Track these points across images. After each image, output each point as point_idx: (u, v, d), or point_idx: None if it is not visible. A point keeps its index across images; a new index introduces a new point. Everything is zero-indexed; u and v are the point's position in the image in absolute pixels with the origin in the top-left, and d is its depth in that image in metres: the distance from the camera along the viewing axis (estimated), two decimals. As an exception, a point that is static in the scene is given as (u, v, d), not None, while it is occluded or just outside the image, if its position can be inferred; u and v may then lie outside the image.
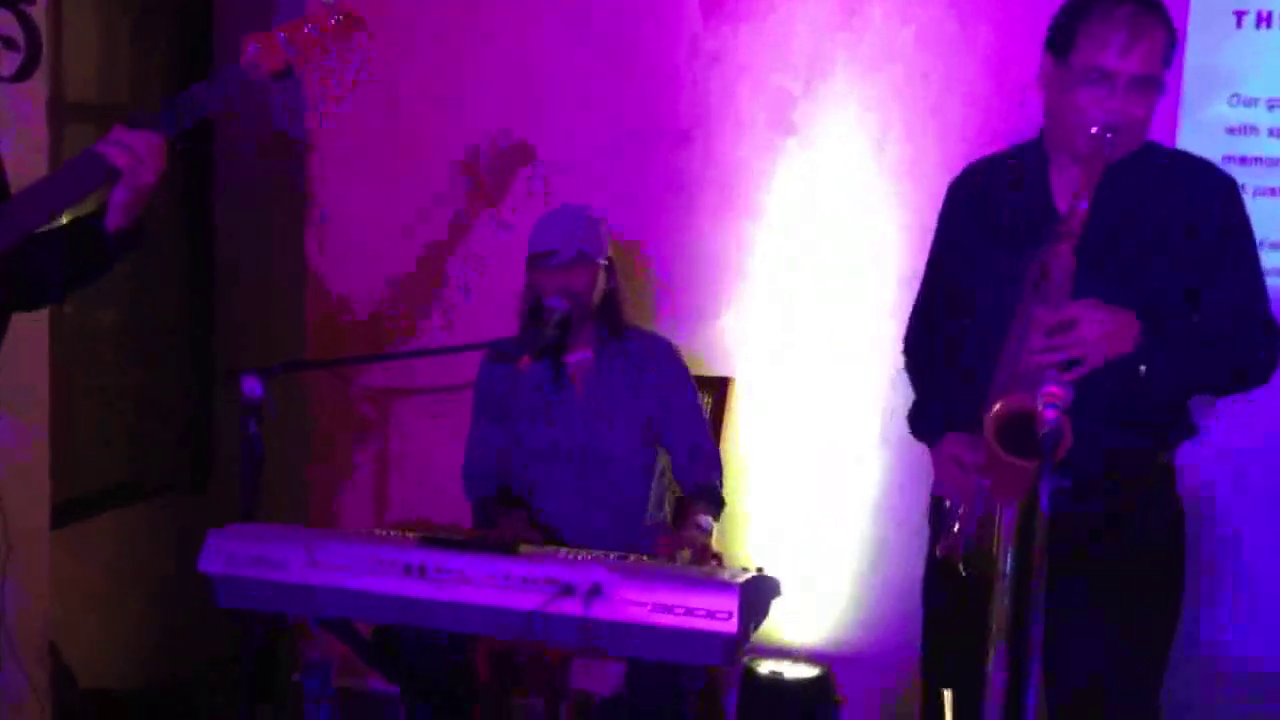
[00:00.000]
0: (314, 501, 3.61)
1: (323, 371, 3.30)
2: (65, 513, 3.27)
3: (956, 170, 2.34)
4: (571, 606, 2.12)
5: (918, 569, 2.32)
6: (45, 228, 2.04)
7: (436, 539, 2.32)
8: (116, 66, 3.58)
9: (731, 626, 2.07)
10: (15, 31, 2.79)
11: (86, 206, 2.09)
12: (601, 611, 2.11)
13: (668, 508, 2.99)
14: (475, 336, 2.99)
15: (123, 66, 3.60)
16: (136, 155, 1.97)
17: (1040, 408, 1.73)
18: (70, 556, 3.24)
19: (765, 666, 3.17)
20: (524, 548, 2.34)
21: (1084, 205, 1.94)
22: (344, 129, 3.51)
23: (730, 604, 2.07)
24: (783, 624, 3.23)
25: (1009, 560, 1.83)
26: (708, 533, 2.69)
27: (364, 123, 3.48)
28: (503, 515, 2.79)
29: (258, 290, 3.87)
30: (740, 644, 2.15)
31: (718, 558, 2.61)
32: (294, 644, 3.53)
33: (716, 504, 2.81)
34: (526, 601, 2.14)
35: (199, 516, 3.24)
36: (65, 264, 2.12)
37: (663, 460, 2.94)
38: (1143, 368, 1.99)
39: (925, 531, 2.31)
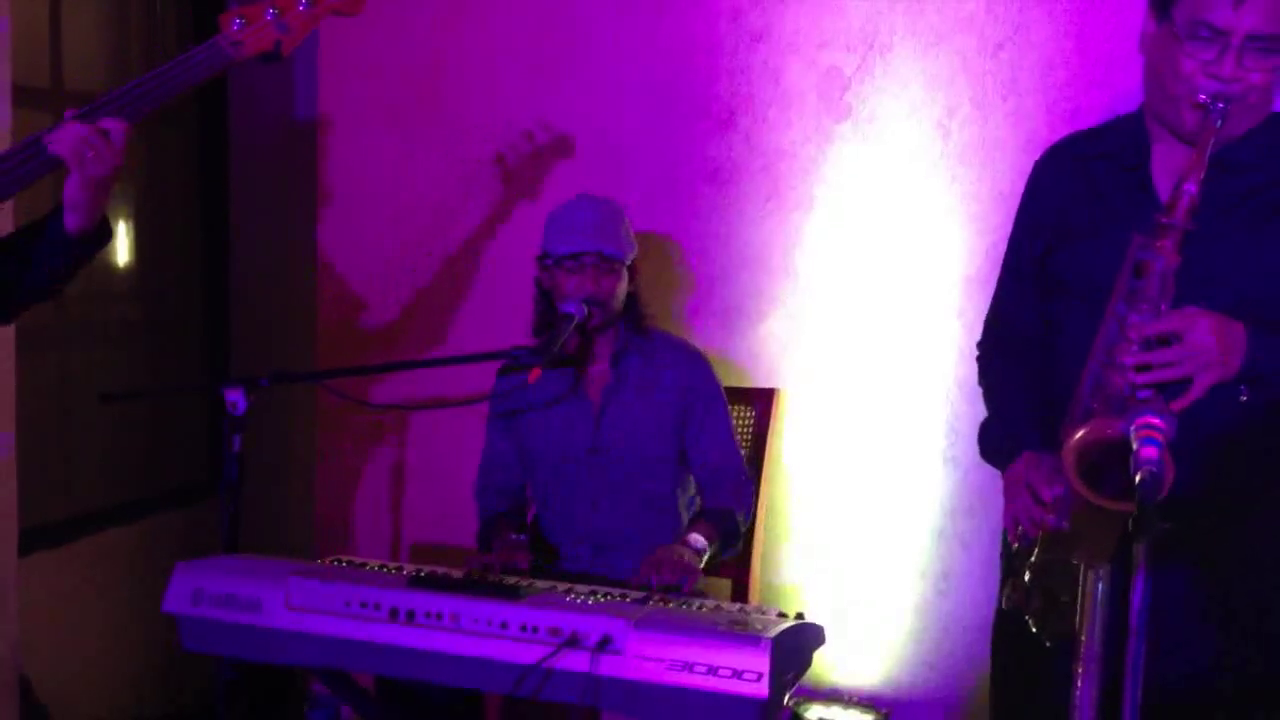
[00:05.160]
0: (319, 514, 3.49)
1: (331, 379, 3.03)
2: (60, 533, 3.13)
3: (1032, 155, 2.13)
4: (576, 661, 1.95)
5: (988, 602, 2.12)
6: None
7: (427, 578, 2.16)
8: (129, 53, 3.40)
9: (761, 689, 1.87)
10: None
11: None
12: (611, 668, 1.94)
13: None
14: (493, 344, 2.72)
15: (135, 53, 3.41)
16: (85, 144, 1.81)
17: (1136, 443, 1.39)
18: (77, 578, 3.10)
19: (815, 712, 2.98)
20: (527, 590, 2.07)
21: (1191, 190, 1.61)
22: (360, 114, 3.38)
23: (760, 662, 1.87)
24: (834, 663, 3.05)
25: (1094, 638, 1.48)
26: (698, 553, 2.37)
27: (380, 107, 3.36)
28: (498, 540, 2.52)
29: (273, 290, 3.71)
30: (774, 707, 1.94)
31: (689, 584, 2.28)
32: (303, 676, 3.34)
33: (726, 533, 2.48)
34: (525, 654, 1.97)
35: (209, 533, 3.06)
36: (16, 275, 1.94)
37: (691, 489, 2.68)
38: (1244, 395, 1.72)
39: (996, 561, 2.11)
